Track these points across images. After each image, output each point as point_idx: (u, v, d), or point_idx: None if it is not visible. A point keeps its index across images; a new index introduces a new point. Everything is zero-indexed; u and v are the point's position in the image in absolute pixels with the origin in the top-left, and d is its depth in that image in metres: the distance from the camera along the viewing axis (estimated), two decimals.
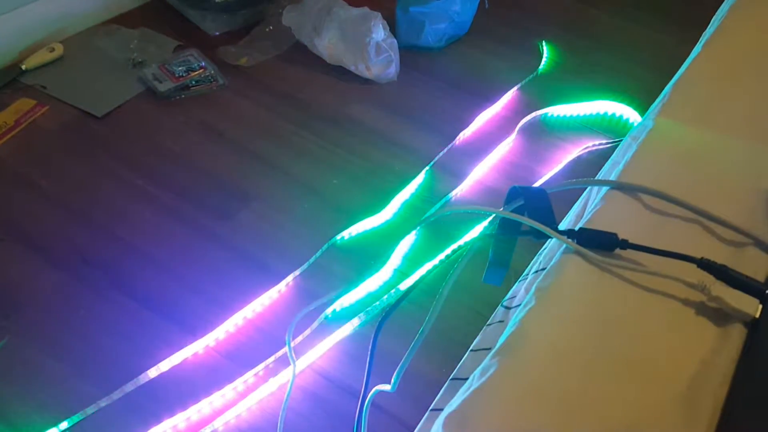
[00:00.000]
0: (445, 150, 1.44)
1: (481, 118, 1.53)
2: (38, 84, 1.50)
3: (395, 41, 1.61)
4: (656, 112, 0.73)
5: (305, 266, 1.17)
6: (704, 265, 0.52)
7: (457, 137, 1.47)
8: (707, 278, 0.52)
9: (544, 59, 1.73)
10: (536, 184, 1.35)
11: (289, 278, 1.15)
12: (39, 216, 1.23)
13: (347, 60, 1.59)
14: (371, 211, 1.28)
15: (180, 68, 1.55)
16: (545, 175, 1.40)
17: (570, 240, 0.55)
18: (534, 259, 0.87)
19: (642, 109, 1.54)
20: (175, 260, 1.18)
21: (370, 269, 1.17)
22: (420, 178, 1.37)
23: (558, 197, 0.62)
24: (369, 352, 0.62)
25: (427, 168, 1.39)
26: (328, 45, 1.60)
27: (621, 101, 1.59)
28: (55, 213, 1.24)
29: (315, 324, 1.09)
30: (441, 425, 0.45)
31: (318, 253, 1.20)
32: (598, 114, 1.58)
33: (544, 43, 1.78)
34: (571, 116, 1.57)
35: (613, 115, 1.58)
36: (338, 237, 1.23)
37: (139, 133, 1.43)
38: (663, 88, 0.82)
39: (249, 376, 1.02)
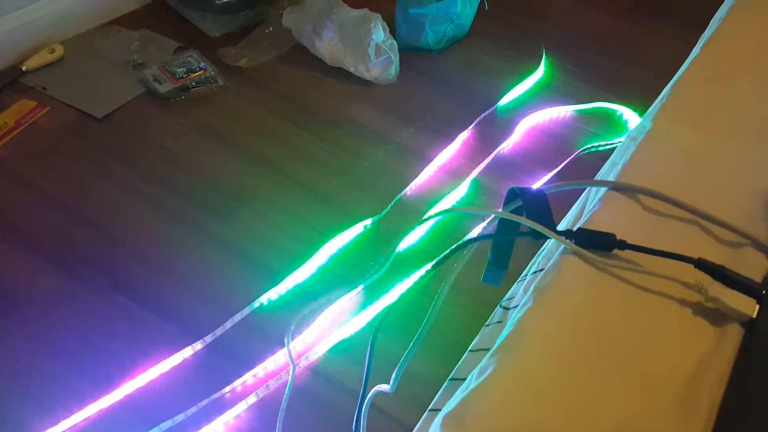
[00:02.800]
0: (445, 151, 1.44)
1: (480, 119, 1.53)
2: (39, 85, 1.50)
3: (395, 43, 1.61)
4: (654, 114, 0.73)
5: (304, 267, 1.18)
6: (701, 265, 0.52)
7: (457, 138, 1.48)
8: (704, 278, 0.52)
9: (543, 61, 1.73)
10: (535, 185, 1.35)
11: (288, 279, 1.15)
12: (38, 216, 1.24)
13: (347, 61, 1.59)
14: (370, 212, 1.28)
15: (180, 69, 1.55)
16: (544, 176, 1.40)
17: (568, 240, 0.56)
18: (533, 260, 0.87)
19: (641, 110, 1.55)
20: (174, 261, 1.18)
21: (369, 270, 1.17)
22: (419, 179, 1.37)
23: (557, 198, 0.62)
24: (368, 353, 0.63)
25: (427, 169, 1.39)
26: (328, 46, 1.60)
27: (620, 102, 1.59)
28: (55, 213, 1.24)
29: (314, 324, 1.09)
30: (439, 425, 0.45)
31: (316, 254, 1.20)
32: (597, 115, 1.58)
33: (543, 44, 1.78)
34: (570, 117, 1.57)
35: (612, 116, 1.58)
36: (335, 237, 1.23)
37: (139, 134, 1.43)
38: (662, 90, 0.82)
39: (248, 377, 1.02)
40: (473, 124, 1.52)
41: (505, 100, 1.59)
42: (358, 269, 1.18)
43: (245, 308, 1.10)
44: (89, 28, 1.68)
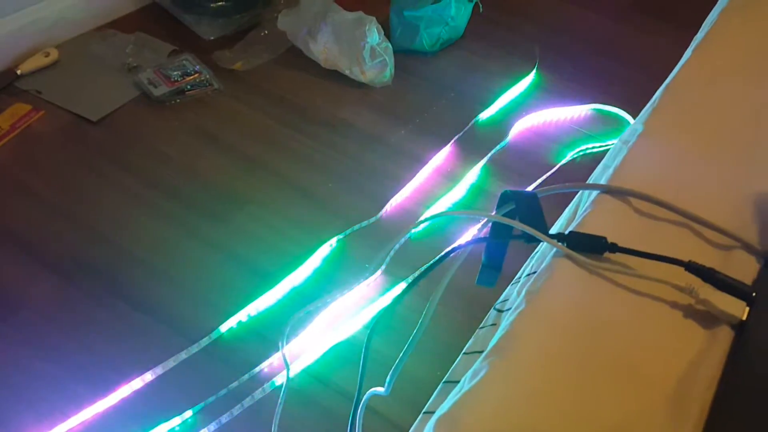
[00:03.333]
0: (439, 153, 1.45)
1: (475, 121, 1.54)
2: (33, 89, 1.50)
3: (390, 45, 1.62)
4: (646, 117, 0.74)
5: (300, 269, 1.18)
6: (692, 268, 0.53)
7: (452, 141, 1.48)
8: (695, 281, 0.52)
9: (537, 63, 1.73)
10: (530, 188, 1.36)
11: (284, 281, 1.15)
12: (34, 220, 1.24)
13: (342, 64, 1.60)
14: (366, 215, 1.29)
15: (175, 73, 1.55)
16: (539, 179, 1.41)
17: (560, 243, 0.56)
18: (527, 262, 0.88)
19: (635, 112, 1.55)
20: (169, 264, 1.18)
21: (364, 272, 1.18)
22: (414, 182, 1.38)
23: (551, 200, 0.63)
24: (363, 355, 0.63)
25: (422, 171, 1.40)
26: (323, 49, 1.60)
27: (615, 104, 1.59)
28: (51, 217, 1.24)
29: (309, 327, 1.10)
30: (432, 428, 0.45)
31: (312, 256, 1.20)
32: (591, 117, 1.59)
33: (538, 46, 1.79)
34: (564, 119, 1.58)
35: (607, 118, 1.59)
36: (332, 240, 1.23)
37: (134, 137, 1.43)
38: (655, 92, 0.83)
39: (244, 380, 1.02)
40: (468, 126, 1.52)
41: (497, 105, 1.59)
42: (352, 272, 1.18)
43: (240, 311, 1.10)
44: (84, 31, 1.68)
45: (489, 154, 1.45)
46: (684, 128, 0.72)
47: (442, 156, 1.45)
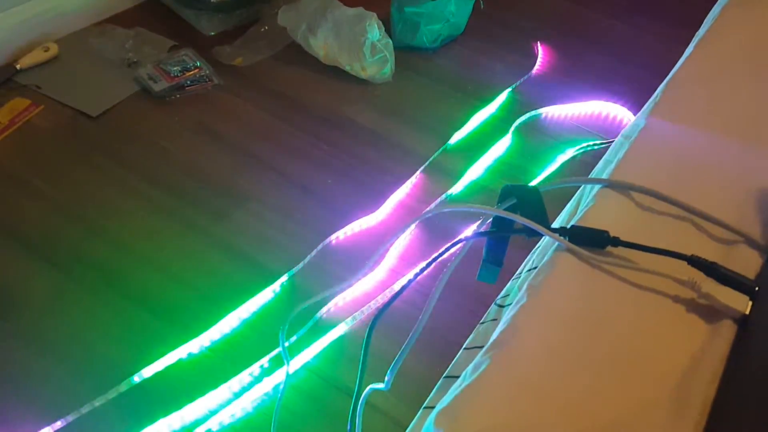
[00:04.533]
0: (440, 150, 1.44)
1: (476, 118, 1.53)
2: (33, 83, 1.50)
3: (390, 41, 1.61)
4: (648, 112, 0.74)
5: (300, 266, 1.18)
6: (694, 262, 0.53)
7: (452, 137, 1.48)
8: (697, 275, 0.52)
9: (538, 59, 1.73)
10: (531, 184, 1.36)
11: (284, 278, 1.15)
12: (34, 215, 1.23)
13: (342, 60, 1.59)
14: (366, 210, 1.28)
15: (175, 68, 1.55)
16: (540, 175, 1.40)
17: (562, 237, 0.56)
18: (528, 257, 0.87)
19: (635, 108, 1.55)
20: (169, 260, 1.18)
21: (364, 268, 1.17)
22: (415, 178, 1.37)
23: (553, 196, 0.62)
24: (362, 351, 0.62)
25: (422, 168, 1.39)
26: (323, 45, 1.60)
27: (615, 101, 1.59)
28: (50, 212, 1.24)
29: (309, 323, 1.09)
30: (432, 421, 0.45)
31: (312, 253, 1.20)
32: (592, 113, 1.58)
33: (538, 43, 1.79)
34: (565, 116, 1.57)
35: (607, 114, 1.58)
36: (333, 237, 1.23)
37: (134, 132, 1.43)
38: (656, 88, 0.82)
39: (243, 376, 1.02)
40: (468, 123, 1.52)
41: (498, 102, 1.59)
42: (352, 267, 1.18)
43: (240, 307, 1.10)
44: (84, 26, 1.68)
45: (490, 150, 1.45)
46: (686, 123, 0.72)
47: (443, 152, 1.44)
